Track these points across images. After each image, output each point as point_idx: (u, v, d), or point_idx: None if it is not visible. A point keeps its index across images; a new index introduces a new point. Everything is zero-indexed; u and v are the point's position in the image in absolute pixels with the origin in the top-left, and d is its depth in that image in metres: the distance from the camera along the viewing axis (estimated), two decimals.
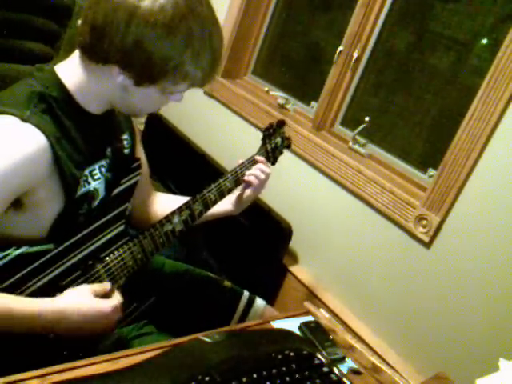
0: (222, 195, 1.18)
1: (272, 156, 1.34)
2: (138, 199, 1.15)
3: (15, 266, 0.87)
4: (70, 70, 0.93)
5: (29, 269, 0.88)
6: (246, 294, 1.30)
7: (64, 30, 1.39)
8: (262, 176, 1.22)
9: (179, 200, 1.19)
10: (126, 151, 1.10)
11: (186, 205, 1.11)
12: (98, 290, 0.92)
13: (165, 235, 1.07)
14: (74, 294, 0.90)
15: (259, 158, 1.26)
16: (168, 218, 1.08)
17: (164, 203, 1.24)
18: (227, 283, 1.31)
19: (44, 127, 0.86)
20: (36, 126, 0.85)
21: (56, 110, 0.89)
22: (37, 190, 0.87)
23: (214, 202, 1.18)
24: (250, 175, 1.22)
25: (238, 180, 1.21)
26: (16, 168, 0.83)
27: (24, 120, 0.84)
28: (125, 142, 1.10)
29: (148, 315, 1.11)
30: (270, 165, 1.30)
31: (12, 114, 0.84)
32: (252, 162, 1.25)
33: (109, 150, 1.03)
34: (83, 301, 0.89)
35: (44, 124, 0.86)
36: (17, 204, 0.88)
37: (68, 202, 0.92)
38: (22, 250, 0.88)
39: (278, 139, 1.35)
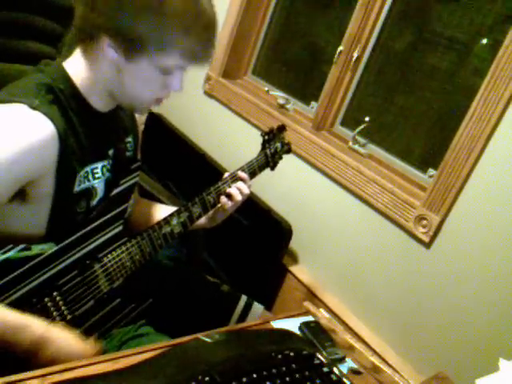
0: (206, 208, 1.15)
1: (272, 161, 1.32)
2: None
3: (13, 264, 0.87)
4: (75, 65, 0.93)
5: (26, 267, 0.88)
6: (244, 298, 1.28)
7: (66, 30, 1.40)
8: (239, 197, 1.17)
9: (162, 209, 1.20)
10: (128, 154, 1.10)
11: (185, 207, 1.11)
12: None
13: (163, 237, 1.07)
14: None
15: (241, 174, 1.20)
16: (167, 220, 1.08)
17: (148, 211, 1.23)
18: (225, 287, 1.30)
19: (53, 116, 0.85)
20: (45, 114, 0.85)
21: (63, 103, 0.89)
22: (42, 180, 0.87)
23: (213, 205, 1.17)
24: (226, 194, 1.17)
25: (220, 195, 1.17)
26: (23, 154, 0.82)
27: (33, 108, 0.84)
28: (128, 145, 1.10)
29: (146, 316, 1.11)
30: (250, 183, 1.22)
31: (21, 103, 0.84)
32: (234, 177, 1.20)
33: (111, 151, 1.03)
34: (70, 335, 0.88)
35: (52, 113, 0.86)
36: (22, 195, 0.87)
37: (65, 196, 0.91)
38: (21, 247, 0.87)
39: (278, 144, 1.33)
